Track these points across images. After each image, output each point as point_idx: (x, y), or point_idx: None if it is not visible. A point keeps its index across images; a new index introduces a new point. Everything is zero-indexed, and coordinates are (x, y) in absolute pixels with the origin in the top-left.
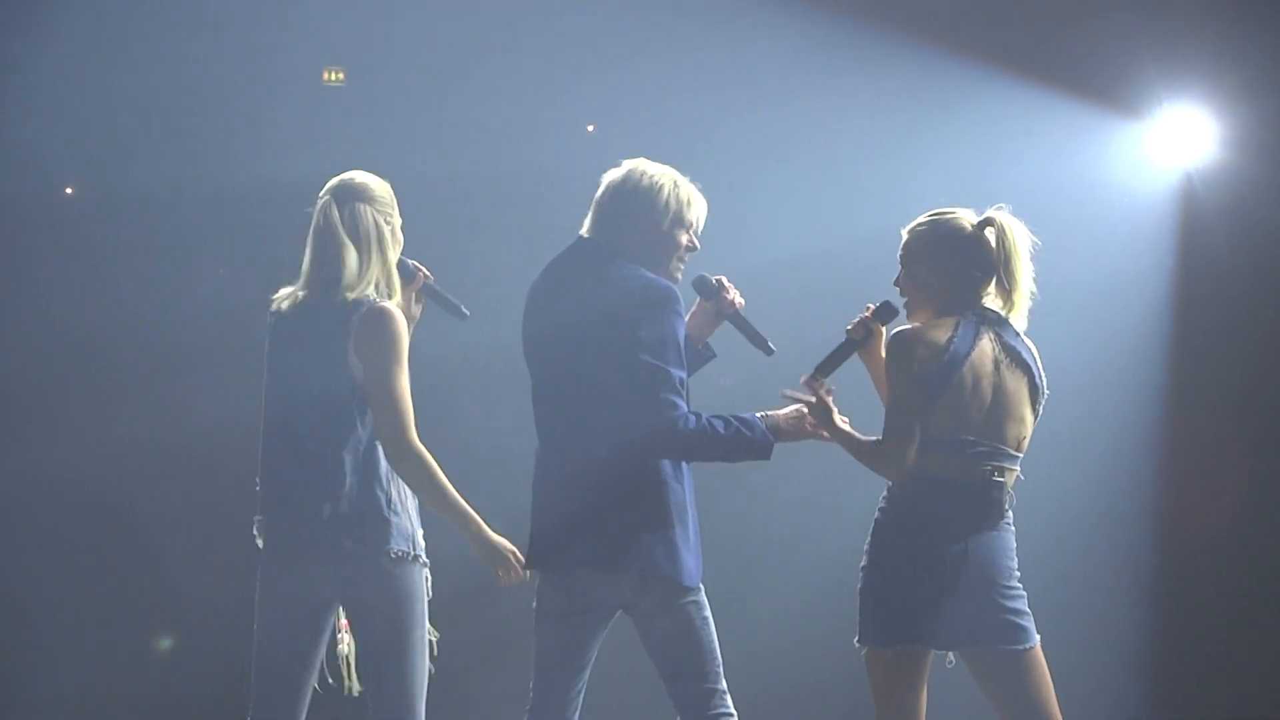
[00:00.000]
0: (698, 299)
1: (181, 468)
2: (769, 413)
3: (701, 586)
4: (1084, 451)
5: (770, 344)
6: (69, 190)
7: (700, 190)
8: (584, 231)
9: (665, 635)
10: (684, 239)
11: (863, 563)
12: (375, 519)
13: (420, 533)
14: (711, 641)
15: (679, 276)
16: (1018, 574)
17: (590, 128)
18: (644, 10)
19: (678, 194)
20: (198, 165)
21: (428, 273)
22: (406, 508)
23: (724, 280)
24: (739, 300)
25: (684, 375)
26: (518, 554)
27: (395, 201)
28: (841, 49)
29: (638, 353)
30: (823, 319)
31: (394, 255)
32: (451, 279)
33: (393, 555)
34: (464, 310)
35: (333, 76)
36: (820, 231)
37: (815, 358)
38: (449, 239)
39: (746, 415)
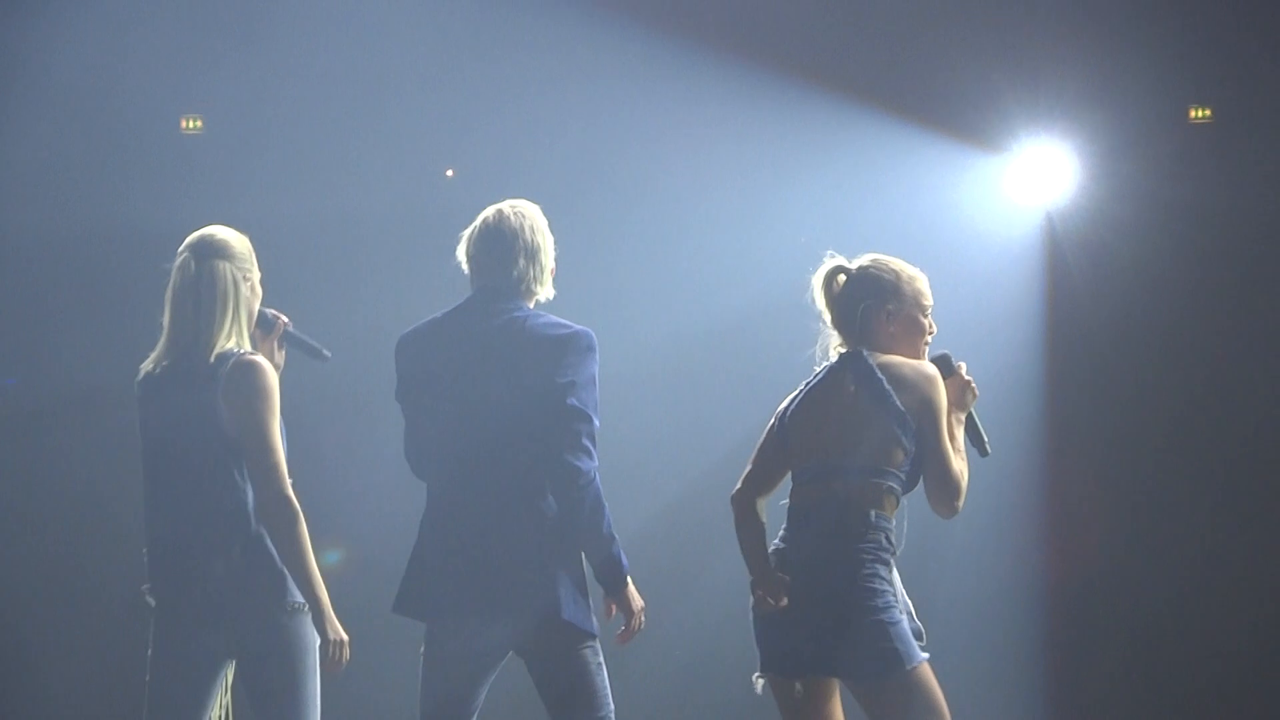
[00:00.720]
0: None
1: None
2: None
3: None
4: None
5: (325, 351)
6: None
7: (559, 228)
8: (473, 275)
9: (562, 679)
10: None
11: None
12: (269, 572)
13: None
14: (606, 685)
15: None
16: (884, 600)
17: (450, 172)
18: (501, 51)
19: (548, 233)
20: (55, 214)
21: (286, 319)
22: None
23: (276, 312)
24: (284, 320)
25: (598, 425)
26: (347, 648)
27: (254, 256)
28: (703, 85)
29: (565, 396)
30: (688, 353)
31: (252, 311)
32: (313, 320)
33: (289, 608)
34: (325, 353)
35: (191, 124)
36: (681, 267)
37: (678, 390)
38: (310, 280)
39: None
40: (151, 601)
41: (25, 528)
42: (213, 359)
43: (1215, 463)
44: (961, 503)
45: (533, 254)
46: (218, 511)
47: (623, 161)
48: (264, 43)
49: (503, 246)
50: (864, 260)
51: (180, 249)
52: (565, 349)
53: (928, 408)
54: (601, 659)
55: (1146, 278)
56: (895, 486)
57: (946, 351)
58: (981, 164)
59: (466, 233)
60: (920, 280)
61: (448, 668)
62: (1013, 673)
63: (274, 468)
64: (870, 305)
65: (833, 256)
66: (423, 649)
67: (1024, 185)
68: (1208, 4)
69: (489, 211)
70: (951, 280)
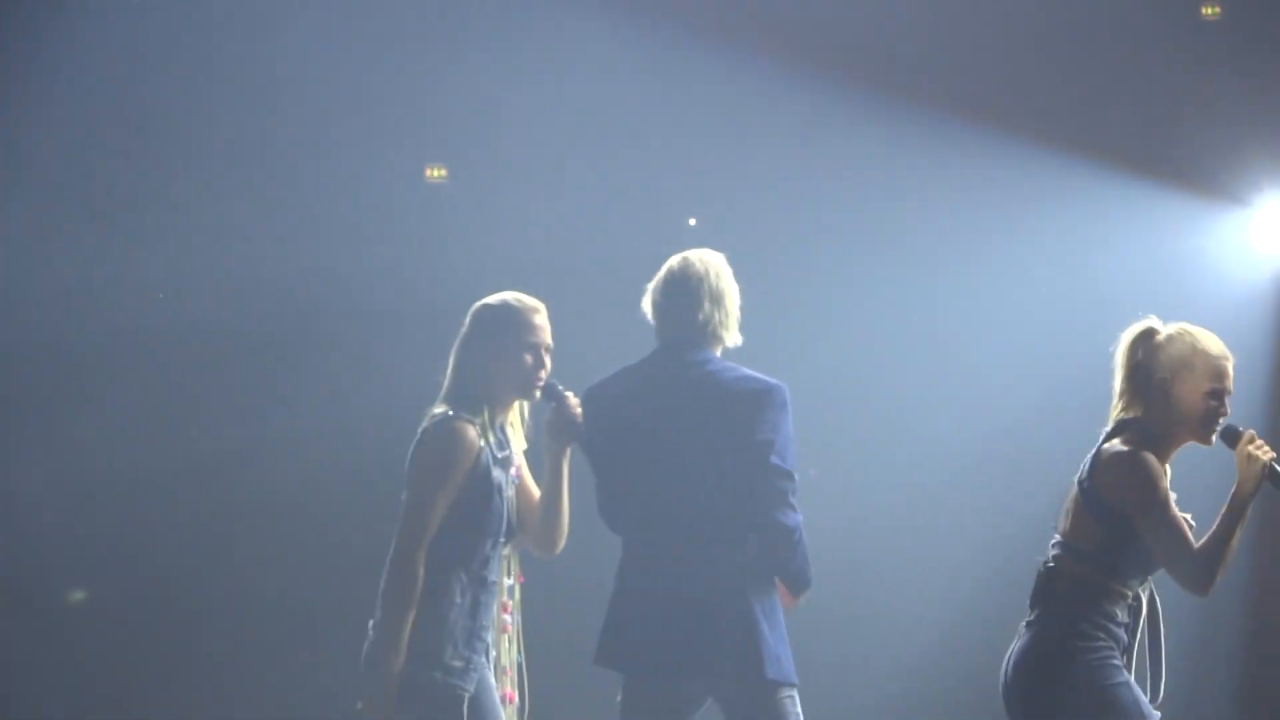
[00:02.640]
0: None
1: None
2: None
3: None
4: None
5: None
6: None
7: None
8: (659, 325)
9: None
10: None
11: None
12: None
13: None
14: None
15: None
16: None
17: (692, 221)
18: (740, 103)
19: (733, 279)
20: (300, 257)
21: (573, 400)
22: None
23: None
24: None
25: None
26: None
27: (529, 322)
28: (942, 143)
29: (767, 454)
30: (938, 410)
31: (501, 378)
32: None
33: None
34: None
35: (435, 173)
36: (928, 323)
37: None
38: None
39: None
40: None
41: None
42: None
43: None
44: (1204, 588)
45: (718, 299)
46: None
47: (858, 215)
48: (506, 93)
49: (688, 294)
50: (1173, 328)
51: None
52: (763, 405)
53: (1121, 501)
54: (799, 709)
55: None
56: (1097, 569)
57: (1232, 423)
58: (1225, 217)
59: (651, 284)
60: (1225, 360)
61: (646, 718)
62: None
63: (406, 530)
64: (1163, 378)
65: (1149, 318)
66: (619, 698)
67: (1268, 236)
68: None
69: (672, 260)
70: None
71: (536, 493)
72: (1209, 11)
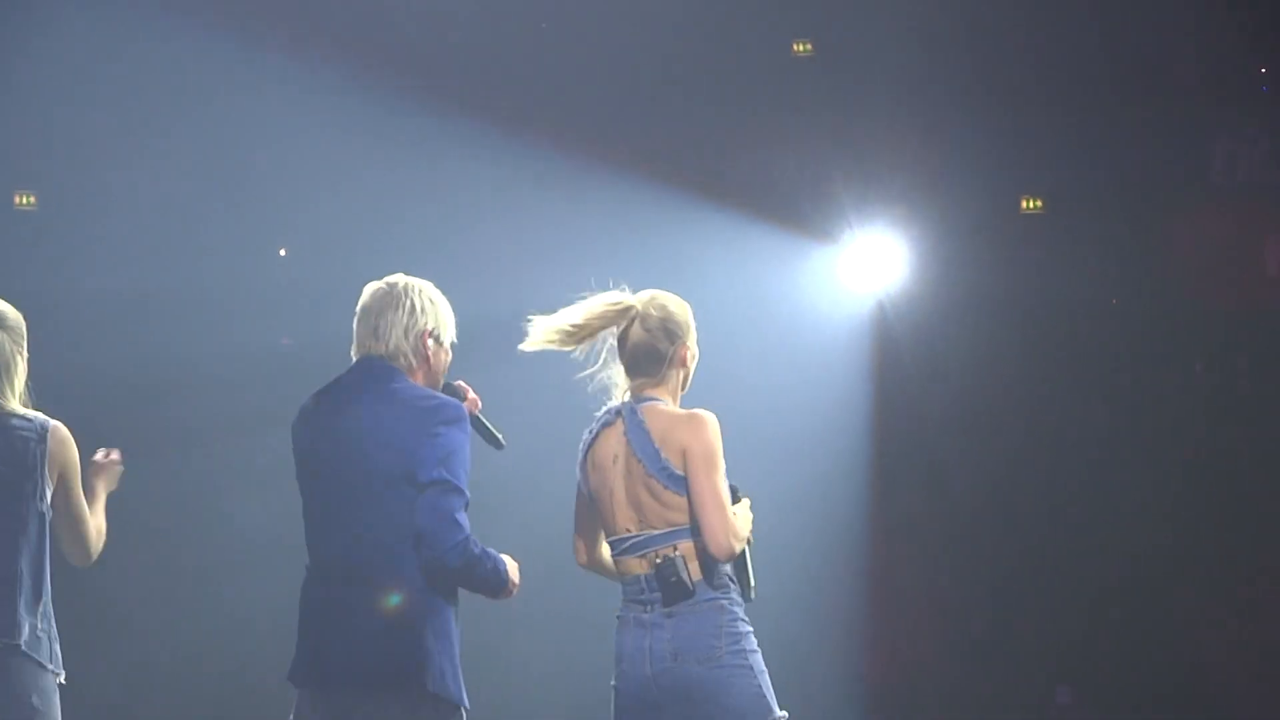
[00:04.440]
0: None
1: None
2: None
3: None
4: (790, 573)
5: (501, 439)
6: None
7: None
8: (357, 349)
9: None
10: (448, 348)
11: None
12: None
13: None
14: None
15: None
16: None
17: (283, 251)
18: (334, 131)
19: (441, 306)
20: None
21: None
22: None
23: (465, 385)
24: (477, 402)
25: (468, 496)
26: None
27: (25, 333)
28: (527, 171)
29: (434, 469)
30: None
31: (20, 380)
32: (159, 398)
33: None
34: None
35: (24, 200)
36: (501, 356)
37: None
38: (142, 355)
39: (500, 558)
40: None
41: None
42: (28, 420)
43: (1043, 547)
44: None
45: (409, 324)
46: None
47: (447, 244)
48: (98, 119)
49: (376, 319)
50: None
51: None
52: (431, 423)
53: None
54: None
55: (975, 362)
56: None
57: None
58: (815, 253)
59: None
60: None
61: None
62: None
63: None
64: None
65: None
66: (291, 715)
67: (857, 273)
68: (1040, 99)
69: (370, 285)
70: (784, 364)
71: None
72: (800, 49)
